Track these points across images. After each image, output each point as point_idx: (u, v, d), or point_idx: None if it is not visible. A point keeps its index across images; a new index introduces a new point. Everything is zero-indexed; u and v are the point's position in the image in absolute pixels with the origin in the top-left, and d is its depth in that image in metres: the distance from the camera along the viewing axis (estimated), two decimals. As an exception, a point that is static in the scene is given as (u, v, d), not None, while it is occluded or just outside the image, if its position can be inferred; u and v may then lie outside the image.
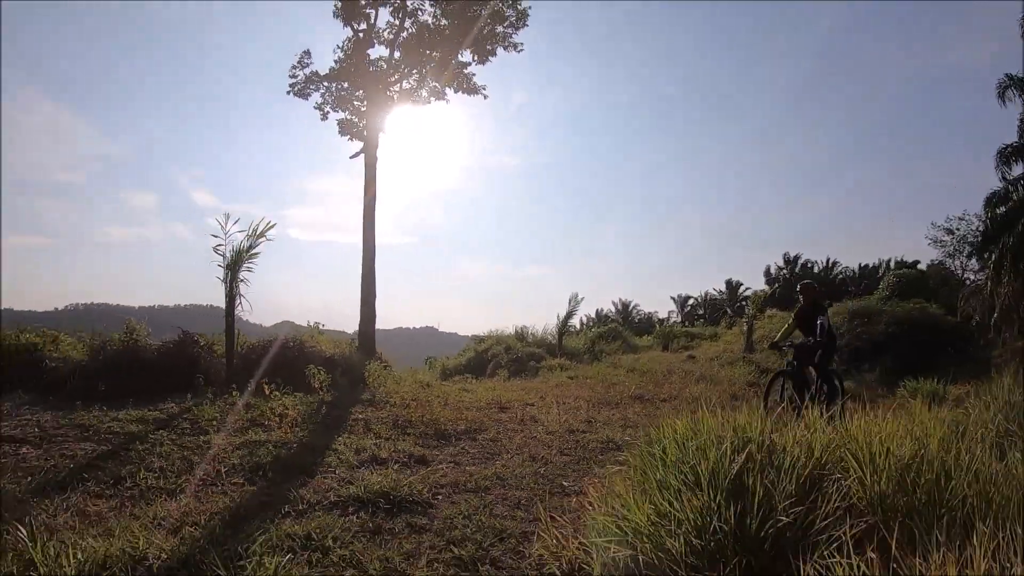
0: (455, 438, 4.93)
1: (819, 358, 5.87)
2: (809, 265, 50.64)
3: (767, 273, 51.45)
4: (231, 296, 5.98)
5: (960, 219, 23.60)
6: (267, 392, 5.41)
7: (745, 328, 17.66)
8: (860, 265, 46.32)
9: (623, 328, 27.48)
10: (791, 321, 6.64)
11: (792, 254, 51.47)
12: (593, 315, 51.15)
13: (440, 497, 3.28)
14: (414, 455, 4.24)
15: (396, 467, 3.85)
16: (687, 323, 50.31)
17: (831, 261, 50.18)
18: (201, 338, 6.58)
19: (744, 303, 51.56)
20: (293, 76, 12.15)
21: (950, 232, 24.07)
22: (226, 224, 6.04)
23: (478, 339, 17.29)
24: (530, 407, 6.79)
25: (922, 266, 32.27)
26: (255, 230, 6.19)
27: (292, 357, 6.77)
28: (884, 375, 12.85)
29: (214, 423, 4.74)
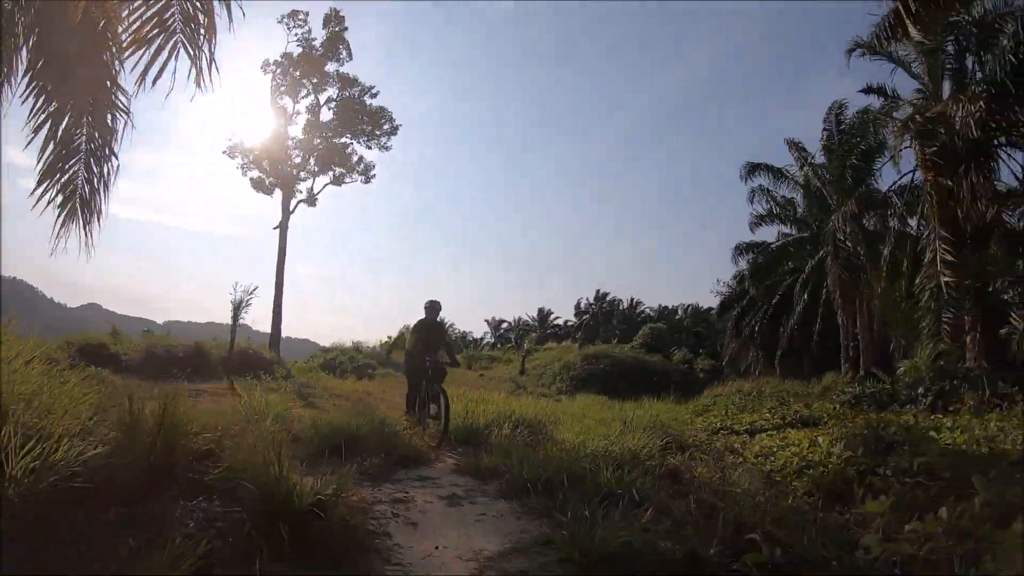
0: (355, 400, 12.03)
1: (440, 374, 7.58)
2: (616, 302, 61.48)
3: (578, 306, 61.67)
4: (235, 325, 12.31)
5: (743, 278, 28.30)
6: (261, 378, 11.90)
7: (522, 356, 26.59)
8: (660, 306, 56.31)
9: (437, 347, 35.36)
10: (415, 334, 8.04)
11: (603, 291, 60.93)
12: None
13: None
14: (345, 401, 11.32)
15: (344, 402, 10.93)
16: (498, 345, 59.28)
17: (635, 300, 60.27)
18: (206, 344, 12.71)
19: (553, 328, 61.89)
20: (229, 141, 18.22)
21: (731, 288, 29.11)
22: (235, 287, 12.37)
23: (325, 349, 23.85)
24: (382, 393, 14.01)
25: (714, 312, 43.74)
26: (247, 290, 12.62)
27: (254, 358, 13.17)
28: (592, 394, 22.22)
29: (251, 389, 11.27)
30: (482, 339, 63.40)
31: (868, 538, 2.97)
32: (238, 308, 12.54)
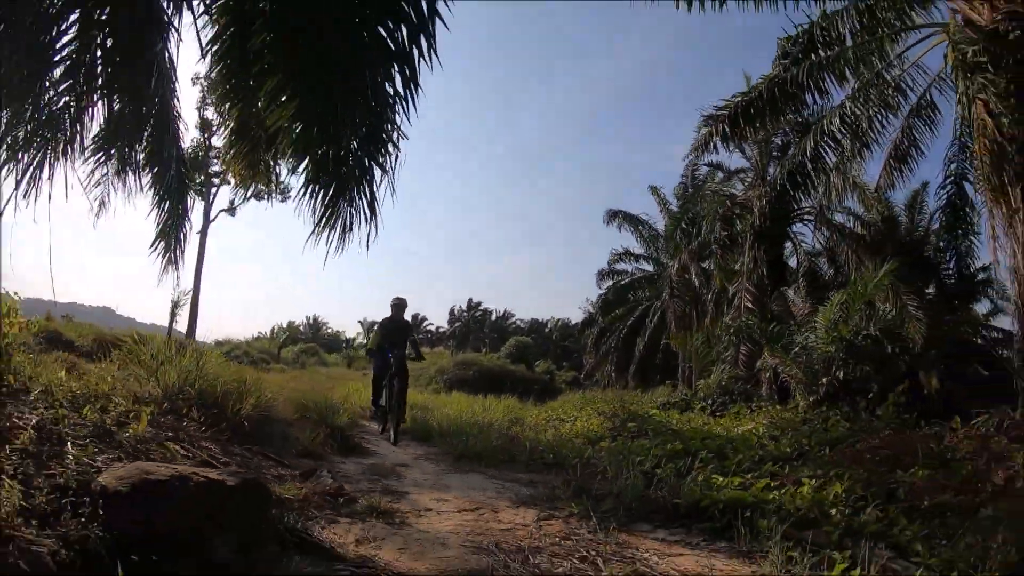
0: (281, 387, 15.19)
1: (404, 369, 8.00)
2: (488, 312, 65.10)
3: (452, 312, 64.47)
4: (172, 320, 14.93)
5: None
6: (197, 365, 14.67)
7: (402, 358, 30.20)
8: (531, 319, 59.79)
9: (318, 347, 38.05)
10: (380, 331, 8.40)
11: (475, 300, 63.92)
12: (285, 325, 58.49)
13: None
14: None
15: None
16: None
17: (506, 312, 63.48)
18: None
19: (426, 334, 64.58)
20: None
21: (593, 309, 32.67)
22: (174, 288, 14.97)
23: (219, 342, 25.99)
24: (291, 383, 17.14)
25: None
26: (183, 292, 15.30)
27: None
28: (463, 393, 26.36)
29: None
30: (354, 339, 64.97)
31: (590, 451, 7.31)
32: (175, 306, 15.27)
